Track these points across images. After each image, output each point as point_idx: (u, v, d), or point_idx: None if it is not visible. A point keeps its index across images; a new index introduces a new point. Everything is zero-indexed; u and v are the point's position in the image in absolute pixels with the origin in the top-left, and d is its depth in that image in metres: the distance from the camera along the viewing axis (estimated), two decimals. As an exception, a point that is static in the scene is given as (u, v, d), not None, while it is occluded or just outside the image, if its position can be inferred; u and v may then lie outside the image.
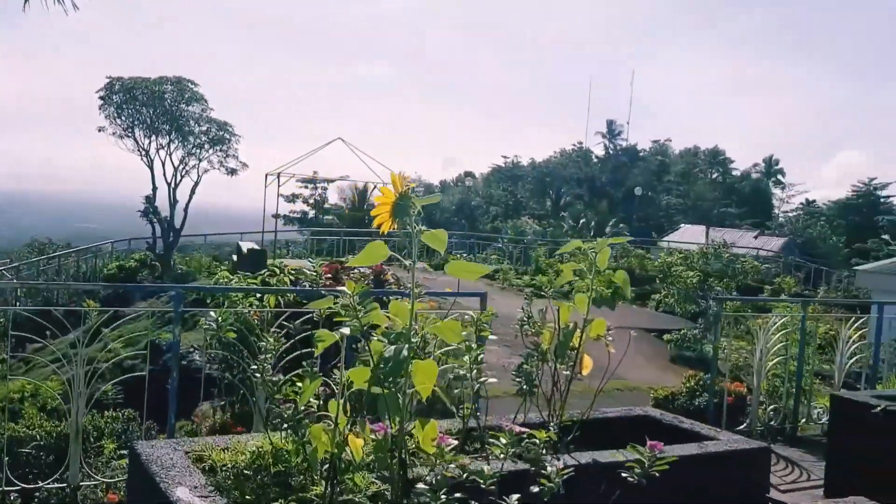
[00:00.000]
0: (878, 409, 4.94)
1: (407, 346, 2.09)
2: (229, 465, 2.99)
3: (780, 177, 69.73)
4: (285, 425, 2.89)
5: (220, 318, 3.13)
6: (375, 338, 3.30)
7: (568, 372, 3.75)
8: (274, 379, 3.01)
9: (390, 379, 2.10)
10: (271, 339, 3.12)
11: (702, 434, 3.94)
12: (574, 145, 72.40)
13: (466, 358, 2.48)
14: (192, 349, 9.77)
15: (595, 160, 70.03)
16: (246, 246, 17.87)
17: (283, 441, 3.01)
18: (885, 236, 55.28)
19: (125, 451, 5.70)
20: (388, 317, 2.40)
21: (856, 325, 7.24)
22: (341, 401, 2.35)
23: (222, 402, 6.02)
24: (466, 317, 3.96)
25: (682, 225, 55.72)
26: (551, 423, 3.74)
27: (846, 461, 5.10)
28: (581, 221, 50.44)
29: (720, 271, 15.00)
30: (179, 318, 4.88)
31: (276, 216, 26.19)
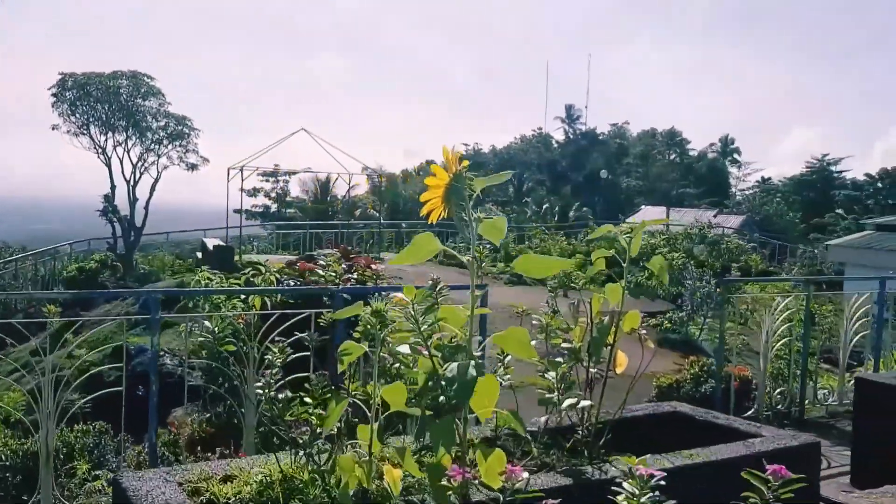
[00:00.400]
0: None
1: (473, 362, 1.70)
2: (233, 499, 2.59)
3: (735, 156, 70.65)
4: (300, 452, 2.50)
5: (216, 328, 2.72)
6: (389, 343, 2.90)
7: (594, 370, 3.41)
8: (280, 396, 2.60)
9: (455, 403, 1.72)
10: (276, 350, 2.71)
11: (741, 430, 3.62)
12: (534, 131, 72.39)
13: (552, 375, 2.11)
14: (162, 352, 9.27)
15: (555, 145, 70.04)
16: (211, 242, 17.29)
17: (294, 467, 2.61)
18: (840, 210, 56.24)
19: (100, 472, 5.25)
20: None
21: (859, 302, 7.02)
22: (375, 425, 1.96)
23: (208, 415, 5.56)
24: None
25: (643, 206, 56.02)
26: (581, 428, 3.40)
27: (873, 447, 4.85)
28: (544, 207, 50.25)
29: (704, 252, 14.78)
30: (158, 326, 4.41)
31: (240, 211, 25.49)
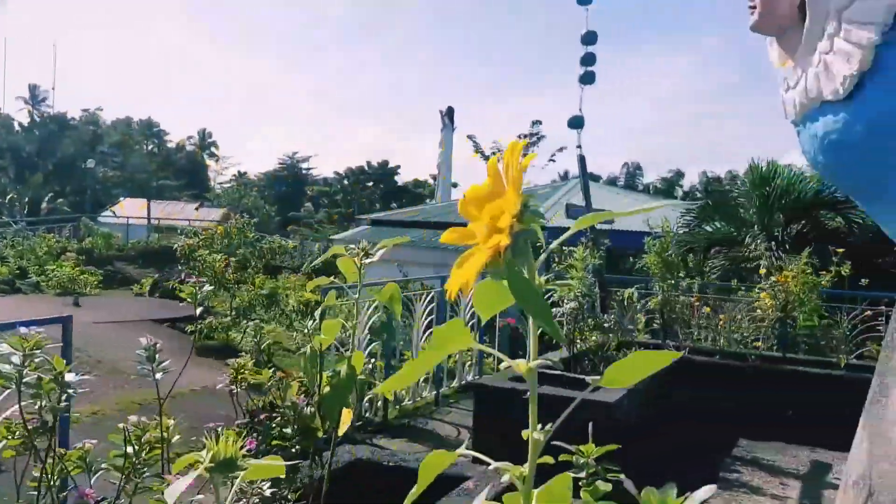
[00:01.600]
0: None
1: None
2: None
3: (214, 149, 72.08)
4: None
5: None
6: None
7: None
8: None
9: None
10: None
11: (446, 474, 3.24)
12: (-11, 111, 63.37)
13: None
14: None
15: (18, 128, 62.27)
16: None
17: None
18: (309, 204, 60.82)
19: None
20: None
21: (426, 300, 7.25)
22: None
23: None
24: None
25: (123, 198, 53.34)
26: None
27: (493, 449, 4.93)
28: (9, 197, 44.31)
29: (246, 252, 14.09)
30: None
31: None
